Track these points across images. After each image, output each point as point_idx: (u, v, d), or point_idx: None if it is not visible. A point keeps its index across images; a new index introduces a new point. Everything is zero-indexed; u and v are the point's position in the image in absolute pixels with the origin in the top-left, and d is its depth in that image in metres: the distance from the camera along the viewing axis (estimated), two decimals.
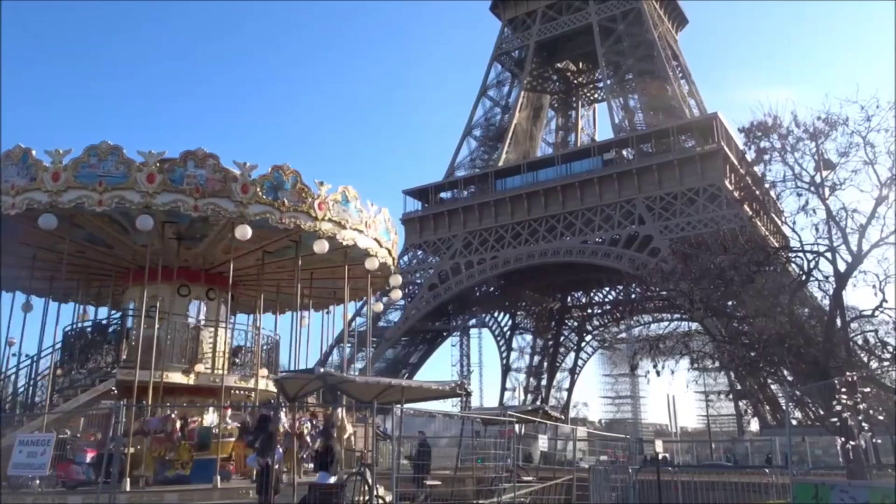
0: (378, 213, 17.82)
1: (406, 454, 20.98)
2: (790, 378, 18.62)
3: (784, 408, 35.19)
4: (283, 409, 15.18)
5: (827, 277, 16.80)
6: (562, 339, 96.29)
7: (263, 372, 17.82)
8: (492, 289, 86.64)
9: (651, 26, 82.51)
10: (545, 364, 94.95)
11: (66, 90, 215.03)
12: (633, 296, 67.72)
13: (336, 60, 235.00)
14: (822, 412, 16.01)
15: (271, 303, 21.57)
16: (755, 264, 17.18)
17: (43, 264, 17.81)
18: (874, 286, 15.70)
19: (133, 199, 14.26)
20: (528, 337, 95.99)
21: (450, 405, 58.84)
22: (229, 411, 17.05)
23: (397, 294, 21.94)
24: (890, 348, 15.92)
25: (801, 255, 17.16)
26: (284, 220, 15.18)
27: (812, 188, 16.62)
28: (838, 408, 12.46)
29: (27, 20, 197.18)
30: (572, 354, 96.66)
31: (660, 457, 23.74)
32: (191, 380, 16.45)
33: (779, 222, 20.64)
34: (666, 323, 25.52)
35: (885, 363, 15.73)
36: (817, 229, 16.52)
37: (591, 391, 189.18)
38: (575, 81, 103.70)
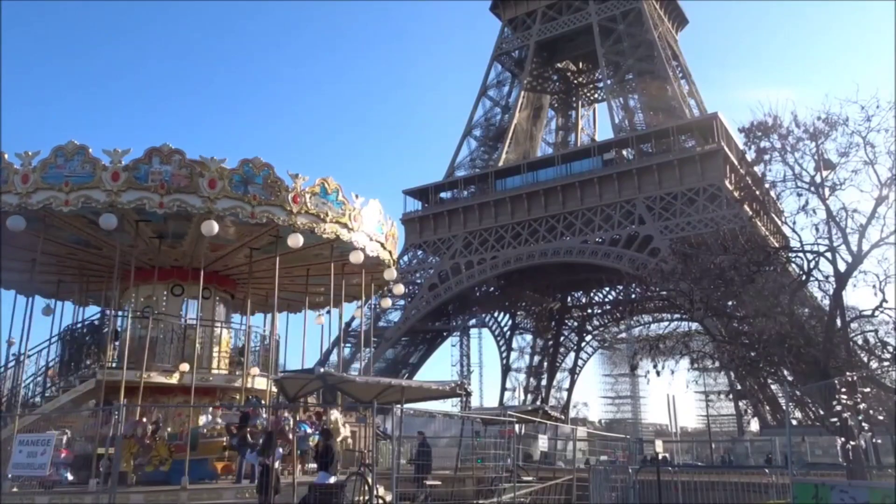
0: (365, 206, 17.28)
1: (407, 458, 21.00)
2: (790, 378, 18.59)
3: (784, 408, 35.19)
4: (262, 408, 15.11)
5: (827, 277, 16.78)
6: (562, 339, 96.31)
7: (255, 371, 17.74)
8: (492, 289, 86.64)
9: (651, 26, 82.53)
10: (545, 364, 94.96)
11: (65, 90, 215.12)
12: (633, 296, 67.69)
13: (336, 60, 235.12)
14: (822, 412, 16.01)
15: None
16: (755, 264, 17.16)
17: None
18: (874, 286, 15.68)
19: (99, 198, 14.25)
20: (528, 337, 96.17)
21: (450, 405, 58.93)
22: (220, 411, 16.98)
23: (399, 289, 21.59)
24: (890, 348, 15.90)
25: (801, 255, 17.13)
26: (256, 214, 14.87)
27: (812, 188, 16.60)
28: (838, 408, 12.44)
29: (27, 20, 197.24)
30: (572, 354, 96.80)
31: (660, 457, 23.74)
32: (174, 380, 16.31)
33: (779, 222, 20.61)
34: (666, 323, 25.45)
35: (885, 363, 15.70)
36: (817, 229, 16.51)
37: (591, 391, 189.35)
38: (575, 81, 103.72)
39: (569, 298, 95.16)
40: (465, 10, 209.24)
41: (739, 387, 43.54)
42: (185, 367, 16.44)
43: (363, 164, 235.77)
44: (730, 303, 18.72)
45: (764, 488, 18.58)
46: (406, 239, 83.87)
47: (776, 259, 17.92)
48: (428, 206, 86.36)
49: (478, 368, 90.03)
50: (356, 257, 16.81)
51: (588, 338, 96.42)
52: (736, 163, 59.70)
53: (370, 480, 13.44)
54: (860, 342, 16.49)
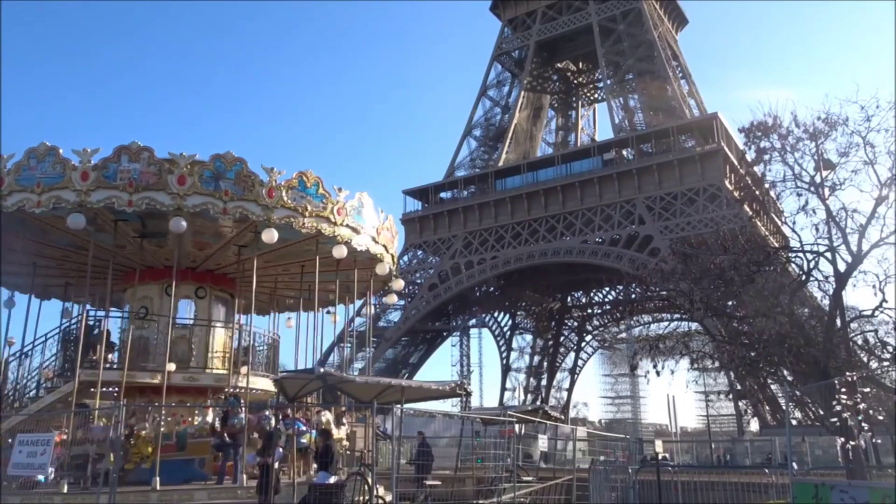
0: (350, 199, 16.74)
1: (407, 458, 20.98)
2: (790, 378, 18.59)
3: (784, 408, 35.18)
4: (240, 407, 15.04)
5: (827, 277, 16.78)
6: (562, 339, 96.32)
7: (244, 370, 17.65)
8: (492, 289, 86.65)
9: (651, 26, 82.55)
10: (545, 364, 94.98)
11: (65, 90, 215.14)
12: (633, 296, 67.75)
13: (336, 60, 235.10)
14: (822, 412, 15.99)
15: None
16: (755, 264, 17.16)
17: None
18: (874, 286, 15.69)
19: (69, 198, 14.21)
20: (528, 337, 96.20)
21: (450, 405, 58.94)
22: (209, 411, 16.93)
23: (399, 284, 21.04)
24: (890, 348, 15.89)
25: (801, 255, 17.14)
26: (229, 210, 14.62)
27: (812, 188, 16.61)
28: (838, 408, 12.44)
29: (27, 20, 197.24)
30: (572, 354, 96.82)
31: (659, 457, 23.72)
32: (156, 380, 16.32)
33: (779, 222, 20.61)
34: (666, 323, 25.43)
35: (885, 363, 15.70)
36: (817, 229, 16.51)
37: (591, 391, 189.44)
38: (575, 81, 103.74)
39: (569, 298, 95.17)
40: (465, 10, 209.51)
41: (739, 387, 43.50)
42: (170, 366, 16.37)
43: (363, 164, 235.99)
44: (730, 303, 18.71)
45: (764, 488, 18.56)
46: (406, 239, 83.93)
47: (776, 259, 17.92)
48: (428, 206, 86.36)
49: (478, 368, 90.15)
50: (339, 252, 16.29)
51: (588, 338, 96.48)
52: (736, 163, 59.72)
53: (370, 480, 13.44)
54: (860, 342, 16.49)
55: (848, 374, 13.77)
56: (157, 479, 13.72)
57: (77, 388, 15.21)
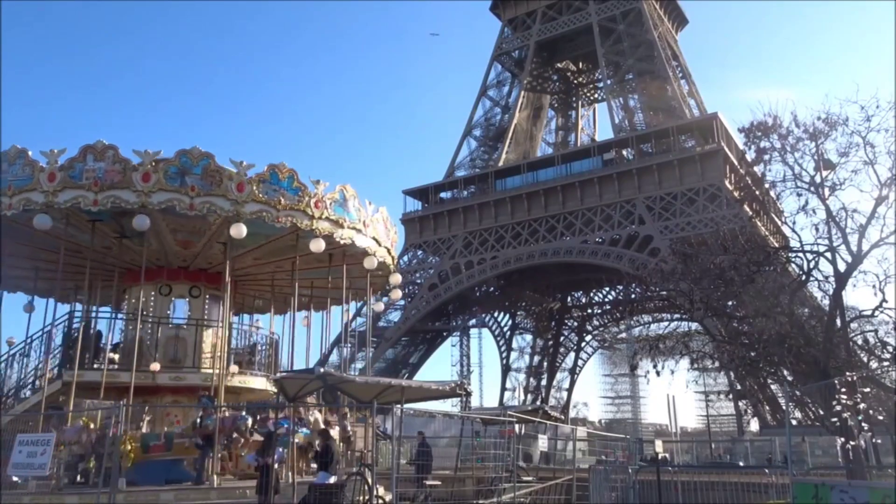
0: (330, 191, 16.32)
1: (407, 458, 20.97)
2: (790, 378, 18.60)
3: (784, 408, 35.20)
4: (212, 406, 14.94)
5: (827, 277, 16.79)
6: (562, 339, 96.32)
7: (234, 369, 17.57)
8: (492, 289, 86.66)
9: (651, 26, 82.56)
10: (545, 364, 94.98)
11: (65, 90, 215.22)
12: (633, 296, 67.75)
13: (336, 60, 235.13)
14: (822, 412, 16.00)
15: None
16: (755, 264, 17.16)
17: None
18: (874, 286, 15.69)
19: (37, 199, 14.28)
20: (528, 337, 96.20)
21: (450, 405, 58.94)
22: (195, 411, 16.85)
23: (396, 278, 20.54)
24: (890, 348, 15.90)
25: (801, 255, 17.14)
26: (195, 206, 14.38)
27: (812, 188, 16.61)
28: (838, 408, 12.44)
29: (27, 20, 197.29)
30: (572, 354, 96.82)
31: (659, 457, 23.72)
32: (143, 380, 16.26)
33: (779, 222, 20.62)
34: (666, 323, 25.46)
35: (885, 363, 15.70)
36: (817, 229, 16.52)
37: (591, 391, 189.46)
38: (575, 81, 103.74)
39: (569, 298, 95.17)
40: (465, 10, 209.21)
41: (739, 387, 43.52)
42: (155, 366, 16.35)
43: (363, 164, 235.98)
44: (730, 303, 18.72)
45: (764, 488, 18.55)
46: (406, 239, 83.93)
47: (776, 259, 17.93)
48: (428, 206, 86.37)
49: (478, 368, 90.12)
50: (317, 246, 15.90)
51: (588, 338, 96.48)
52: (736, 163, 59.73)
53: (370, 480, 13.43)
54: (860, 342, 16.49)
55: (848, 374, 13.77)
56: (124, 480, 13.55)
57: (70, 388, 15.21)
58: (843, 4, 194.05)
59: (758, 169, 18.40)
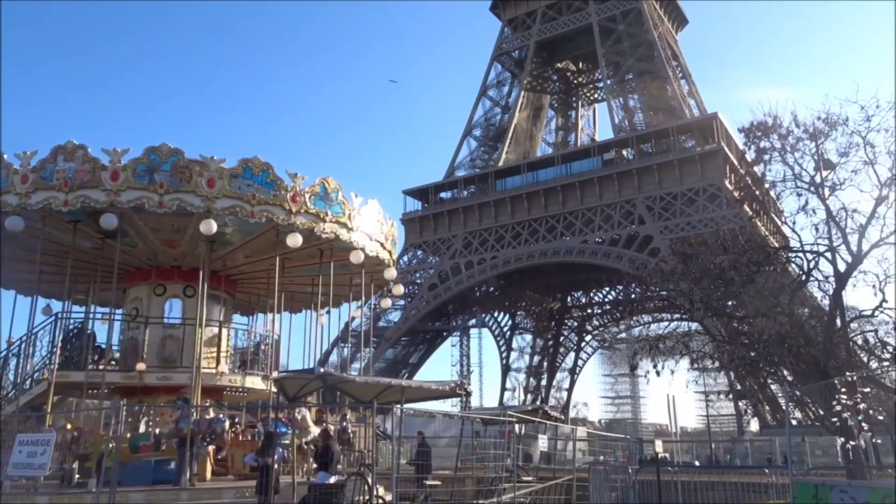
0: (309, 185, 15.88)
1: (407, 458, 20.94)
2: (790, 378, 18.60)
3: (784, 408, 35.20)
4: (185, 408, 14.85)
5: (827, 277, 16.80)
6: (562, 339, 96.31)
7: (223, 368, 17.48)
8: (492, 289, 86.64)
9: (651, 26, 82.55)
10: (545, 364, 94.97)
11: (65, 90, 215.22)
12: (633, 296, 67.76)
13: (336, 60, 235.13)
14: (822, 412, 16.00)
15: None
16: (755, 264, 17.17)
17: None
18: (874, 286, 15.70)
19: (12, 201, 14.38)
20: (528, 337, 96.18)
21: (450, 405, 58.92)
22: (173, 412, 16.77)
23: (391, 273, 19.86)
24: (890, 348, 15.90)
25: (801, 255, 17.15)
26: (164, 203, 14.25)
27: (812, 188, 16.62)
28: (838, 408, 12.44)
29: (27, 20, 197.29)
30: (572, 354, 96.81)
31: (659, 457, 23.72)
32: (130, 380, 16.22)
33: (779, 222, 20.63)
34: (666, 323, 25.46)
35: (885, 363, 15.70)
36: (817, 229, 16.52)
37: (591, 391, 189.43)
38: (575, 81, 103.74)
39: (569, 298, 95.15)
40: (465, 10, 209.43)
41: (739, 387, 43.50)
42: (141, 366, 16.36)
43: (363, 164, 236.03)
44: (730, 303, 18.72)
45: (764, 488, 18.56)
46: (406, 239, 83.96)
47: (776, 259, 17.93)
48: (428, 206, 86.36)
49: (478, 368, 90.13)
50: (293, 241, 15.48)
51: (588, 338, 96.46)
52: (736, 163, 59.73)
53: (370, 480, 13.43)
54: (860, 342, 16.49)
55: (848, 374, 13.77)
56: (94, 480, 13.52)
57: (62, 388, 15.20)
58: (843, 4, 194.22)
59: (758, 169, 18.40)
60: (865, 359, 16.24)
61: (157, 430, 15.79)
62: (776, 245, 19.58)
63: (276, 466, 13.49)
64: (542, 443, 30.80)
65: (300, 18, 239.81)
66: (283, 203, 15.26)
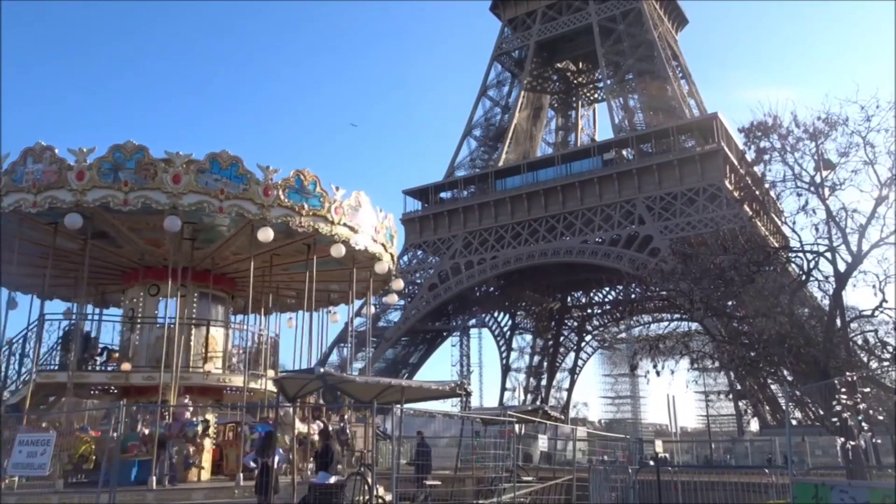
0: (282, 178, 15.47)
1: (407, 458, 20.93)
2: (790, 378, 18.60)
3: (784, 408, 35.19)
4: (148, 411, 14.80)
5: (827, 277, 16.80)
6: (562, 339, 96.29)
7: (209, 367, 17.35)
8: (492, 289, 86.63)
9: (651, 26, 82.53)
10: (545, 364, 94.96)
11: (65, 90, 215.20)
12: (633, 296, 67.75)
13: (336, 60, 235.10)
14: (822, 412, 16.00)
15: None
16: (755, 264, 17.17)
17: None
18: (874, 286, 15.70)
19: None
20: (528, 337, 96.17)
21: (450, 405, 58.91)
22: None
23: (382, 267, 18.84)
24: (890, 348, 15.90)
25: (801, 255, 17.15)
26: (130, 200, 14.12)
27: (812, 188, 16.62)
28: (838, 408, 12.44)
29: (27, 20, 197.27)
30: (572, 354, 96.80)
31: (658, 457, 23.71)
32: (116, 380, 16.19)
33: (779, 222, 20.63)
34: (666, 323, 25.47)
35: (885, 363, 15.70)
36: (817, 229, 16.53)
37: (591, 391, 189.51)
38: (575, 81, 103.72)
39: (569, 298, 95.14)
40: (465, 10, 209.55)
41: (739, 387, 43.50)
42: (126, 366, 16.35)
43: (363, 164, 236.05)
44: (730, 303, 18.72)
45: (764, 488, 18.56)
46: (406, 239, 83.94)
47: (776, 259, 17.93)
48: (428, 206, 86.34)
49: (478, 368, 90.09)
50: (264, 235, 15.10)
51: (588, 338, 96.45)
52: (736, 163, 59.71)
53: (370, 480, 13.43)
54: (860, 342, 16.50)
55: (848, 374, 13.77)
56: (60, 481, 13.44)
57: (51, 389, 15.19)
58: (843, 4, 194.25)
59: (758, 169, 18.41)
60: (865, 359, 16.25)
61: (146, 431, 15.72)
62: (776, 245, 19.58)
63: (275, 466, 13.48)
64: (542, 443, 30.80)
65: (300, 18, 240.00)
66: (254, 197, 14.93)
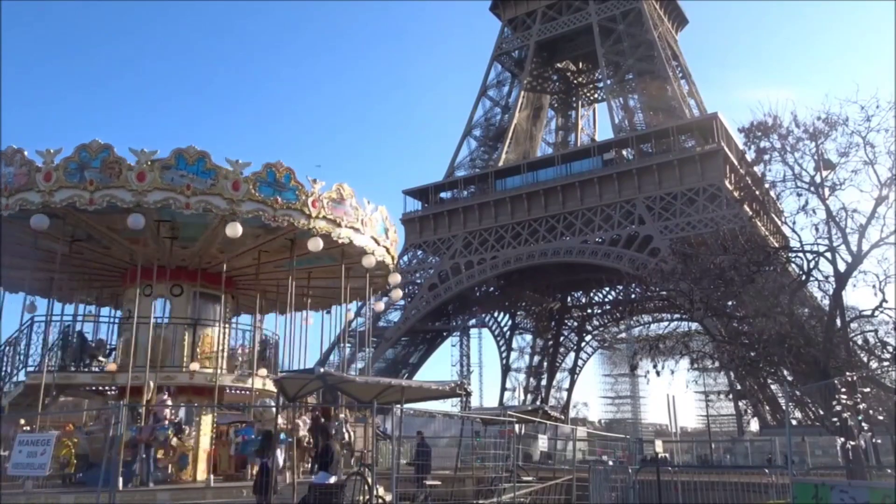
0: (254, 170, 15.17)
1: (407, 458, 20.93)
2: (790, 378, 18.60)
3: (784, 408, 35.20)
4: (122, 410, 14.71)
5: (827, 277, 16.80)
6: (562, 339, 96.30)
7: (195, 366, 17.16)
8: (492, 289, 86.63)
9: (651, 26, 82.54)
10: (545, 364, 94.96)
11: (65, 90, 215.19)
12: (633, 296, 67.75)
13: (336, 60, 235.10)
14: (822, 412, 16.00)
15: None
16: (755, 264, 17.17)
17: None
18: (874, 286, 15.71)
19: None
20: (528, 337, 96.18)
21: (450, 405, 58.91)
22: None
23: (370, 260, 18.12)
24: (890, 348, 15.91)
25: (801, 255, 17.15)
26: (95, 200, 14.08)
27: (812, 188, 16.62)
28: (838, 408, 12.44)
29: (27, 20, 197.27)
30: (572, 354, 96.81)
31: (658, 457, 23.71)
32: (101, 380, 16.21)
33: (779, 222, 20.63)
34: (666, 323, 25.49)
35: (885, 363, 15.70)
36: (817, 229, 16.54)
37: (591, 391, 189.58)
38: (575, 81, 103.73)
39: (569, 298, 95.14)
40: (465, 10, 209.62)
41: (739, 387, 43.49)
42: (111, 367, 16.38)
43: (363, 164, 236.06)
44: (730, 303, 18.72)
45: (764, 488, 18.56)
46: (406, 239, 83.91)
47: (776, 259, 17.94)
48: (428, 206, 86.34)
49: (478, 368, 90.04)
50: (232, 231, 14.82)
51: (588, 338, 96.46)
52: (736, 163, 59.71)
53: (370, 480, 13.43)
54: (860, 342, 16.50)
55: (848, 374, 13.77)
56: (29, 482, 13.37)
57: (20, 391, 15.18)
58: (843, 4, 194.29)
59: (758, 169, 18.41)
60: (865, 359, 16.25)
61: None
62: (776, 245, 19.58)
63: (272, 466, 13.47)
64: (542, 443, 30.83)
65: (300, 18, 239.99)
66: (222, 192, 14.65)
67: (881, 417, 13.41)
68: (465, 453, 24.24)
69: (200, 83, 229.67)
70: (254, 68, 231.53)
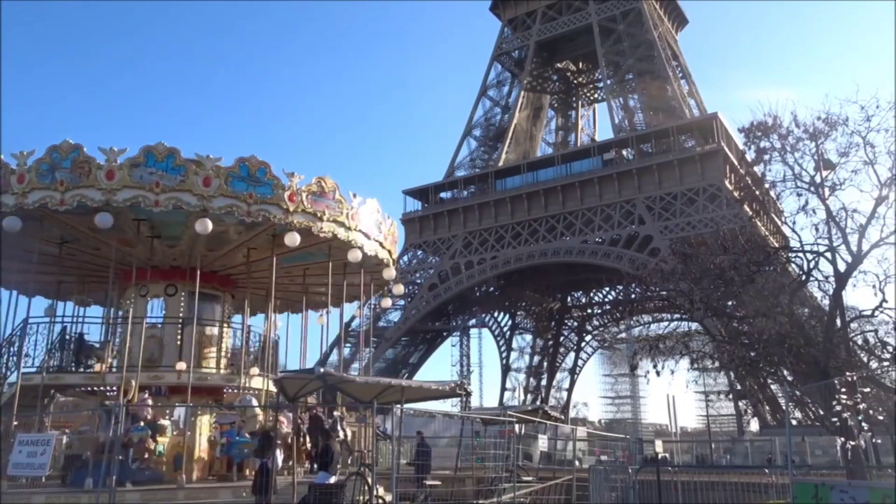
0: (227, 165, 14.95)
1: (407, 458, 20.92)
2: (790, 378, 18.61)
3: (784, 408, 35.20)
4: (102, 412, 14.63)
5: (827, 277, 16.81)
6: (562, 339, 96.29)
7: (181, 366, 16.93)
8: (492, 289, 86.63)
9: (651, 26, 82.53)
10: (545, 364, 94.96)
11: (65, 90, 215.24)
12: (633, 296, 67.75)
13: (336, 60, 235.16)
14: (822, 412, 16.01)
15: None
16: (755, 264, 17.18)
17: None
18: (874, 286, 15.72)
19: None
20: (528, 337, 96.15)
21: (450, 405, 58.93)
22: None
23: (356, 255, 17.50)
24: (890, 348, 15.91)
25: (801, 255, 17.16)
26: (66, 200, 14.08)
27: (812, 188, 16.63)
28: (838, 408, 12.45)
29: (27, 20, 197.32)
30: (572, 354, 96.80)
31: (659, 457, 23.71)
32: (91, 380, 16.18)
33: (779, 222, 20.64)
34: (666, 323, 25.48)
35: (885, 363, 15.71)
36: (817, 229, 16.55)
37: (591, 391, 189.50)
38: (575, 81, 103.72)
39: (569, 298, 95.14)
40: (465, 10, 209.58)
41: (739, 387, 43.52)
42: (98, 367, 16.36)
43: (363, 164, 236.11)
44: (730, 303, 18.73)
45: (764, 488, 18.56)
46: (406, 239, 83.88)
47: (776, 259, 17.94)
48: (428, 206, 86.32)
49: (478, 368, 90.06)
50: (202, 227, 14.65)
51: (588, 338, 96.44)
52: (736, 163, 59.71)
53: (370, 480, 13.43)
54: (860, 342, 16.50)
55: (848, 374, 13.78)
56: (4, 483, 13.35)
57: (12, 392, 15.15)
58: (843, 4, 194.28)
59: (758, 169, 18.42)
60: (865, 359, 16.26)
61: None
62: (776, 245, 19.59)
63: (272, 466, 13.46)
64: (542, 443, 30.82)
65: (300, 18, 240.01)
66: (192, 188, 14.51)
67: (881, 417, 13.42)
68: (465, 453, 24.25)
69: (200, 83, 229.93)
70: (254, 68, 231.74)
